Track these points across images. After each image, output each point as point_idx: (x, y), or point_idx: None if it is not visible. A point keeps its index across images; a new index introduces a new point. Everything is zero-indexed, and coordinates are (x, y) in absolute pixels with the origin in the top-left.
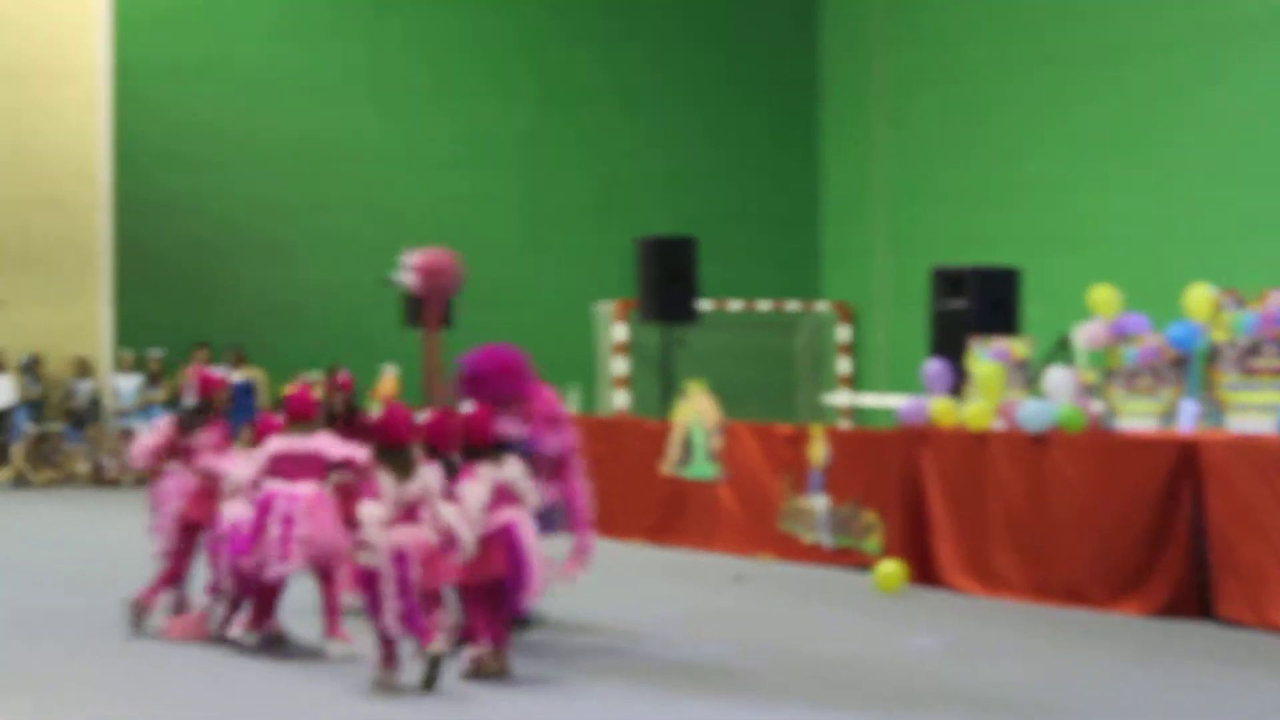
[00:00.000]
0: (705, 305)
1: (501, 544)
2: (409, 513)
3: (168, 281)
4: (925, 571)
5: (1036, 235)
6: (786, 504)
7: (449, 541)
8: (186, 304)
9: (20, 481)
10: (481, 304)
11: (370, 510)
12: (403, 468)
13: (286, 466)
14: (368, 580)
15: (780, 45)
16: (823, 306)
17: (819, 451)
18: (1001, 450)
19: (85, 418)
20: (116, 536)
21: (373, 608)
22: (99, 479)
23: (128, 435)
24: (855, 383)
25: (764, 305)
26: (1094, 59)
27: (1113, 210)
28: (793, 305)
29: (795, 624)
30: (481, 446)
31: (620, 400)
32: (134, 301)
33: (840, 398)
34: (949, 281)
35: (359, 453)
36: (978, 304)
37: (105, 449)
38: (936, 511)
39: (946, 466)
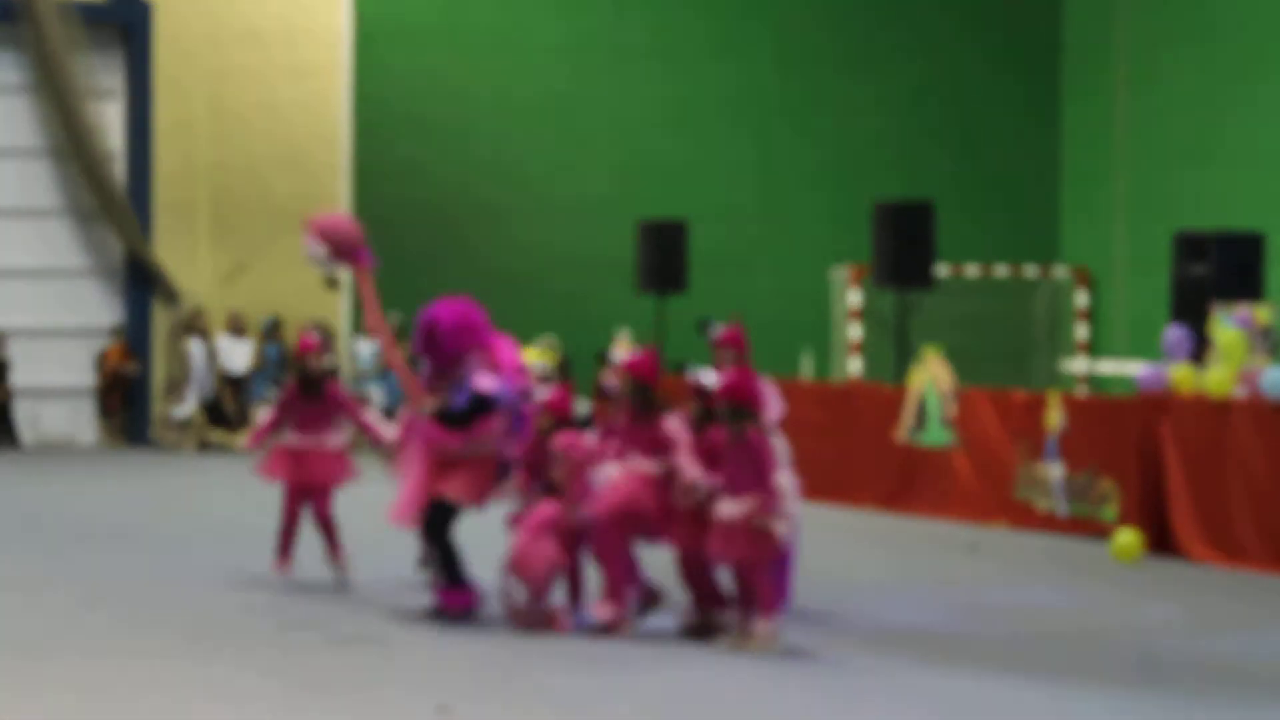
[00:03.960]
0: (942, 270)
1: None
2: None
3: (405, 245)
4: (1162, 541)
5: None
6: (1022, 471)
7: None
8: (423, 268)
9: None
10: (715, 269)
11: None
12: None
13: None
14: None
15: (1021, 5)
16: (1061, 271)
17: (1055, 418)
18: (1243, 419)
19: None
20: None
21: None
22: None
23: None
24: (1093, 349)
25: (1001, 270)
26: None
27: None
28: (1030, 270)
29: (1030, 593)
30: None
31: (854, 367)
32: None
33: (1078, 364)
34: (1191, 246)
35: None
36: (1220, 269)
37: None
38: (1175, 480)
39: (1186, 435)
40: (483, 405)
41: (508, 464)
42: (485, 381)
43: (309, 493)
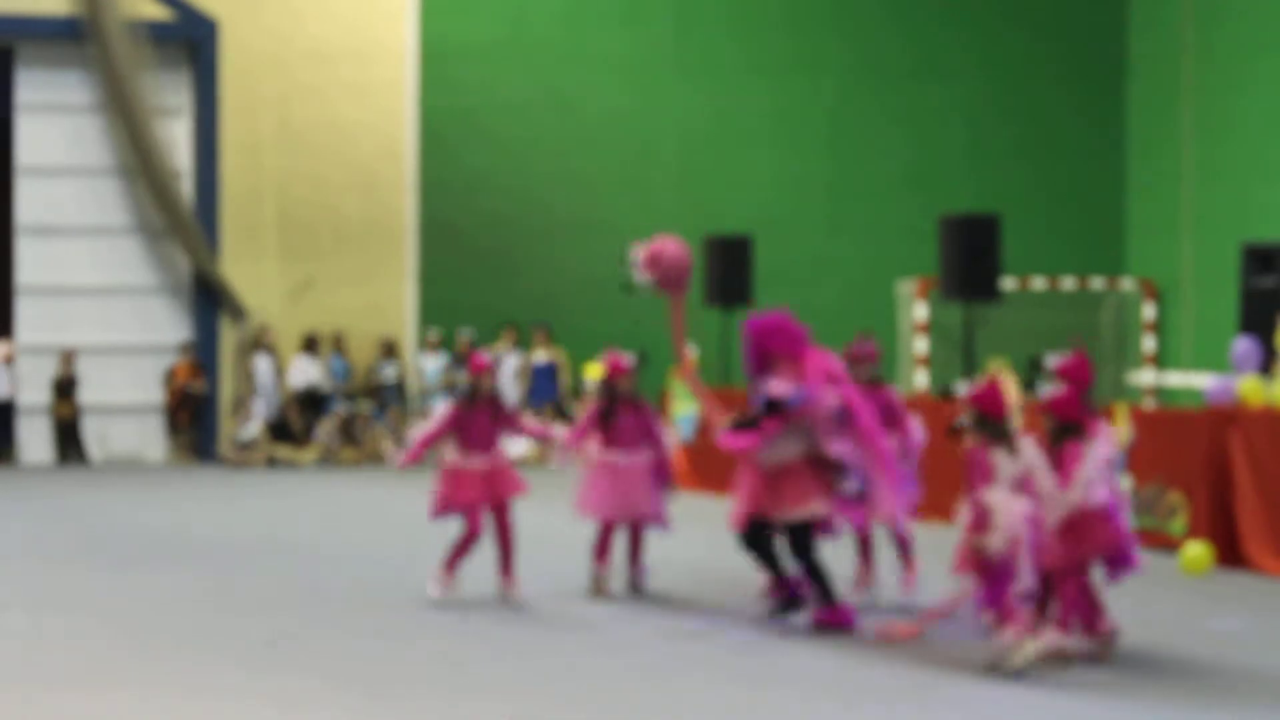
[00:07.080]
0: (1008, 283)
1: (1102, 520)
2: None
3: (472, 261)
4: (1232, 553)
5: None
6: None
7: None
8: (491, 283)
9: (327, 460)
10: (784, 281)
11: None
12: (1008, 441)
13: None
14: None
15: (1087, 18)
16: (1128, 284)
17: (1123, 431)
18: None
19: (389, 398)
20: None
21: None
22: None
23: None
24: (1160, 361)
25: (1068, 283)
26: None
27: None
28: (1097, 283)
29: None
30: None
31: (920, 379)
32: (439, 281)
33: (1145, 377)
34: (1259, 258)
35: None
36: None
37: (407, 429)
38: (1244, 492)
39: (1255, 447)
40: (775, 408)
41: (839, 463)
42: (778, 386)
43: (495, 508)
